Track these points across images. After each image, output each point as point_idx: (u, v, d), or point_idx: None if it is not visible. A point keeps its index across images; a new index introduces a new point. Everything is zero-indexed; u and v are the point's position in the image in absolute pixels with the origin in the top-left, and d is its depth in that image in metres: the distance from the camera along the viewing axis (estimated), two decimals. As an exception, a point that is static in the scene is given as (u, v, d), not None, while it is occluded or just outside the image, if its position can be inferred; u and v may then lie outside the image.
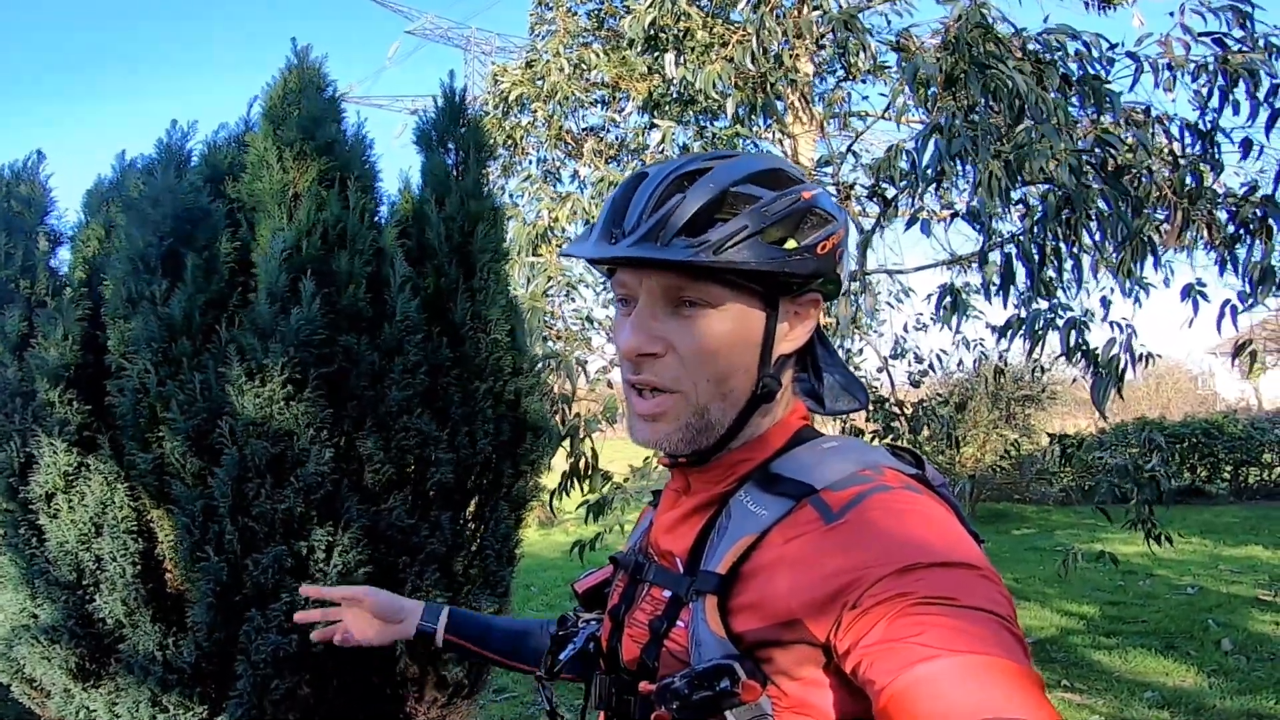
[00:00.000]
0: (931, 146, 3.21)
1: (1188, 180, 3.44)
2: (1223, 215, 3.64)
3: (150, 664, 2.32)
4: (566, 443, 3.86)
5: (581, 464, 4.00)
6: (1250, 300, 3.39)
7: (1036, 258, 3.52)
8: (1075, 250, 3.72)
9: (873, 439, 4.77)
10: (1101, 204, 3.39)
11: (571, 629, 1.12)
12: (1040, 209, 3.46)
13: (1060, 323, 3.58)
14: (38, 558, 2.38)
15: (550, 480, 3.97)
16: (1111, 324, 3.67)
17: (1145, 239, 3.41)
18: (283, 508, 2.31)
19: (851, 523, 0.76)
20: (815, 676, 0.76)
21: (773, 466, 0.86)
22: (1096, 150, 3.33)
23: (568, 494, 4.01)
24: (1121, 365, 3.43)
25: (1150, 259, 3.51)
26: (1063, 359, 3.80)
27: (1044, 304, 3.70)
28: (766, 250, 0.80)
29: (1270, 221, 3.40)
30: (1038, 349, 3.70)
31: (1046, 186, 3.42)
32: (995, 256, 3.72)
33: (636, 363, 0.84)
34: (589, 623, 1.10)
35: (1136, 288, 4.15)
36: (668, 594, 0.87)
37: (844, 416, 5.67)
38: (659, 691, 0.78)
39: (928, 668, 0.62)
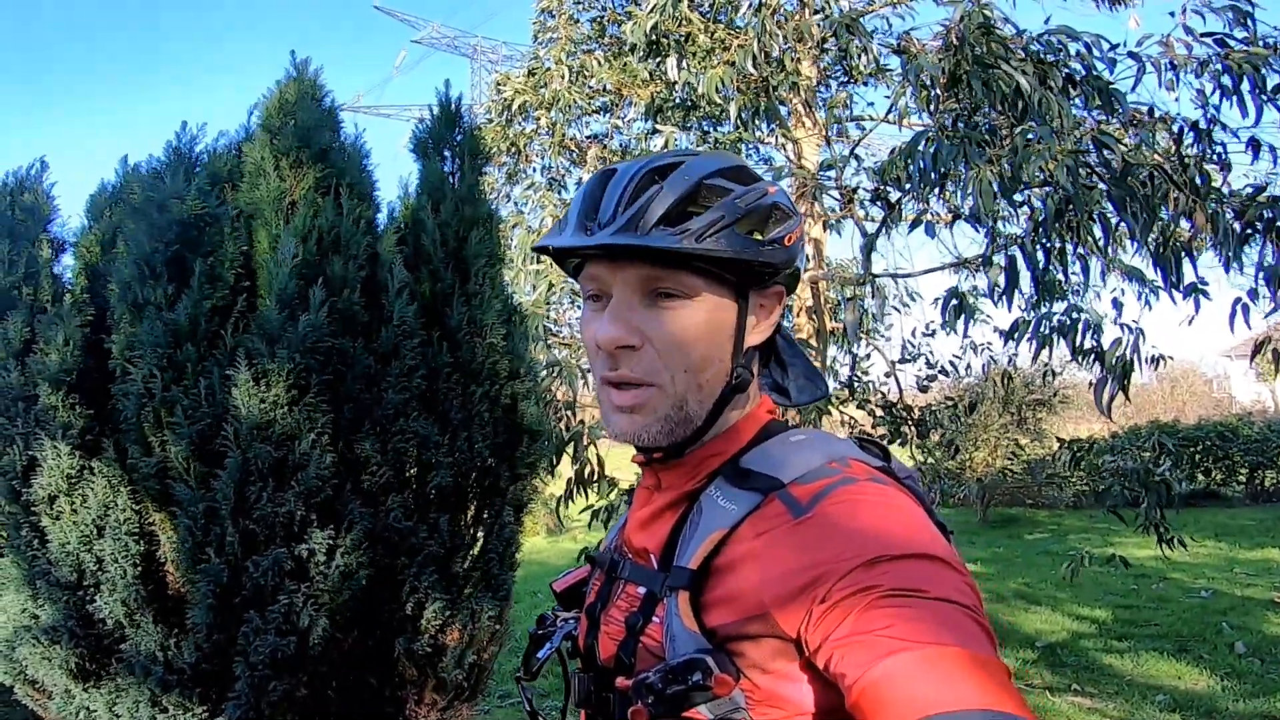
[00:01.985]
0: (929, 149, 3.20)
1: (1198, 180, 3.40)
2: (1228, 214, 3.60)
3: (151, 664, 2.34)
4: (571, 449, 3.86)
5: (586, 471, 4.00)
6: (1271, 306, 3.35)
7: (1042, 260, 3.50)
8: (1081, 252, 3.70)
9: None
10: (1108, 205, 3.37)
11: (549, 628, 1.13)
12: (1043, 211, 3.44)
13: (1071, 325, 3.56)
14: (39, 559, 2.41)
15: (557, 487, 3.98)
16: (1121, 326, 3.64)
17: (1178, 242, 3.37)
18: (283, 510, 2.33)
19: (819, 516, 0.76)
20: (787, 670, 0.76)
21: (742, 461, 0.87)
22: (1102, 151, 3.31)
23: (573, 500, 4.00)
24: (1128, 366, 3.40)
25: (1187, 260, 3.46)
26: (1073, 363, 3.77)
27: (1059, 306, 3.67)
28: (741, 240, 0.82)
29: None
30: (1045, 352, 3.67)
31: (1049, 189, 3.40)
32: (1000, 259, 3.70)
33: (615, 355, 0.84)
34: (566, 621, 1.11)
35: (1146, 290, 4.12)
36: (642, 590, 0.88)
37: (852, 423, 5.66)
38: (634, 686, 0.78)
39: (897, 660, 0.63)
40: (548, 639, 1.10)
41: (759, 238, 0.84)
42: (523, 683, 1.12)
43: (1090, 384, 3.71)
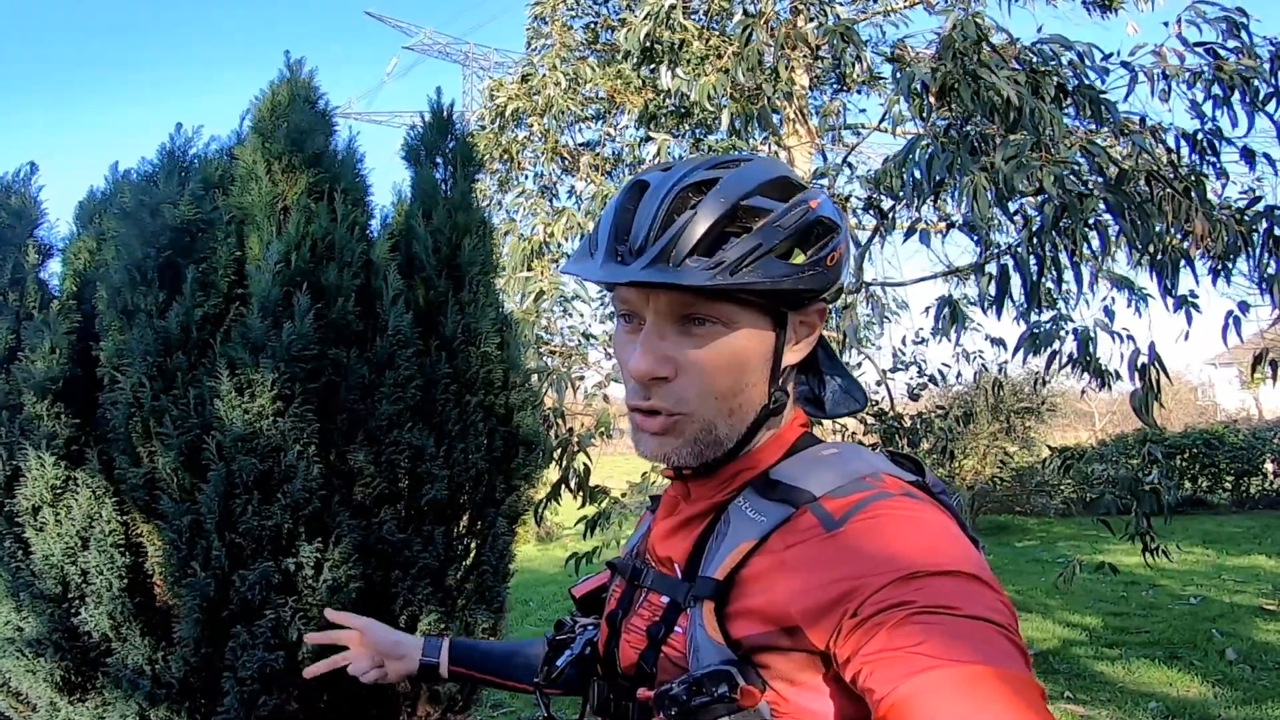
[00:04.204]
0: (923, 155, 3.20)
1: (1193, 191, 3.41)
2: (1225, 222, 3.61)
3: (138, 678, 2.30)
4: (559, 455, 3.84)
5: (574, 479, 3.98)
6: (1275, 315, 3.37)
7: (1035, 269, 3.50)
8: (1076, 260, 3.70)
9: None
10: (1106, 214, 3.38)
11: (569, 634, 1.11)
12: (1039, 219, 3.44)
13: (1066, 334, 3.56)
14: (23, 571, 2.36)
15: (541, 493, 3.95)
16: (1113, 335, 3.65)
17: (1175, 251, 3.37)
18: (270, 524, 2.29)
19: (852, 531, 0.75)
20: (814, 682, 0.75)
21: (772, 473, 0.86)
22: (1088, 159, 3.32)
23: (558, 501, 3.99)
24: (1156, 377, 3.39)
25: (1186, 268, 3.46)
26: (1063, 371, 3.77)
27: (1047, 315, 3.67)
28: (780, 267, 0.79)
29: (1277, 232, 3.38)
30: (1040, 360, 3.68)
31: (1044, 197, 3.40)
32: (993, 267, 3.70)
33: (648, 386, 0.83)
34: (586, 628, 1.09)
35: (1136, 299, 4.14)
36: (665, 600, 0.87)
37: (843, 431, 5.66)
38: (657, 697, 0.77)
39: (927, 678, 0.62)
40: (567, 645, 1.09)
41: (799, 260, 0.80)
42: (541, 689, 1.10)
43: (1081, 392, 3.71)
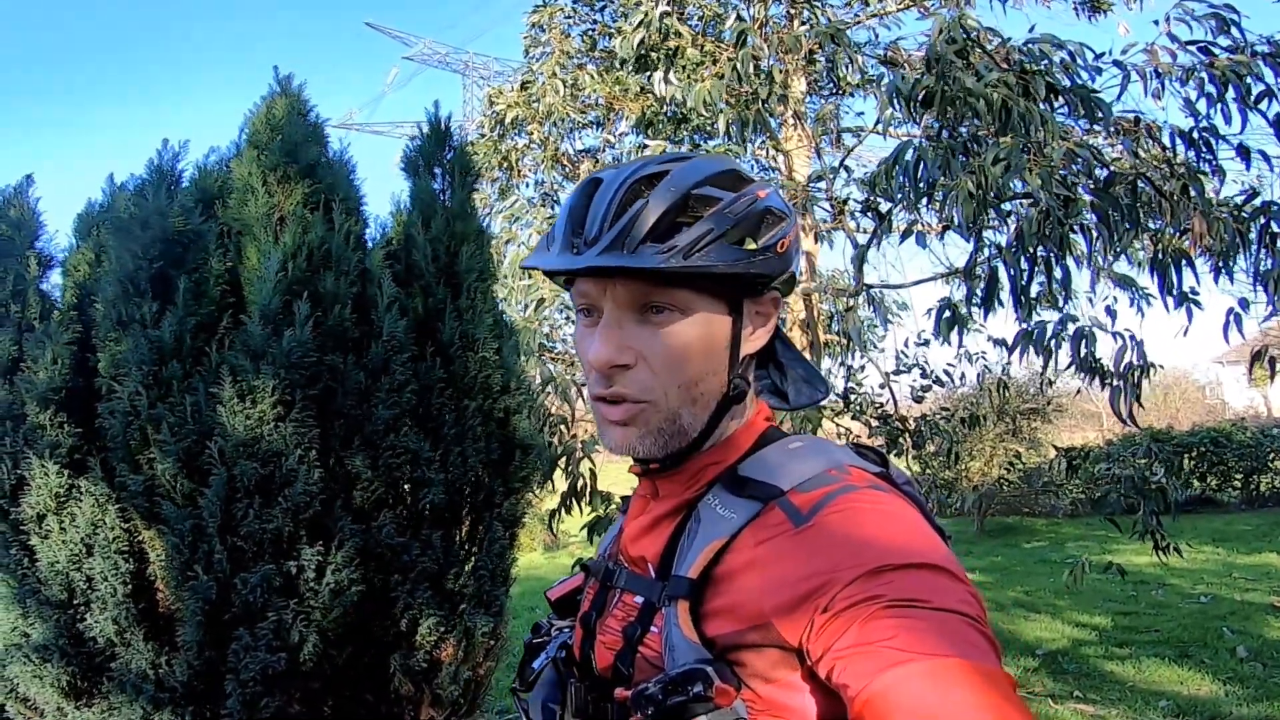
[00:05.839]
0: (911, 159, 3.21)
1: (1191, 189, 3.41)
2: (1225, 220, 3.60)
3: (142, 682, 2.32)
4: (564, 463, 3.85)
5: (579, 485, 3.99)
6: (1269, 310, 3.36)
7: (1027, 269, 3.50)
8: (1065, 261, 3.70)
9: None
10: (1090, 215, 3.38)
11: (544, 637, 1.11)
12: (1025, 222, 3.44)
13: (1068, 335, 3.56)
14: (29, 577, 2.40)
15: (551, 502, 3.97)
16: (1114, 335, 3.64)
17: (1175, 250, 3.37)
18: (271, 527, 2.32)
19: (820, 525, 0.75)
20: (790, 679, 0.75)
21: (740, 469, 0.86)
22: (1079, 161, 3.32)
23: (568, 513, 3.99)
24: (1137, 376, 3.39)
25: (1187, 268, 3.45)
26: (1067, 371, 3.76)
27: (1053, 315, 3.66)
28: (733, 252, 0.80)
29: (1275, 226, 3.37)
30: (1043, 361, 3.67)
31: (1031, 199, 3.41)
32: (983, 269, 3.70)
33: (608, 375, 0.83)
34: (561, 630, 1.09)
35: (1139, 298, 4.13)
36: (640, 600, 0.87)
37: (847, 434, 5.66)
38: (633, 698, 0.77)
39: (900, 672, 0.62)
40: (543, 648, 1.08)
41: (751, 246, 0.82)
42: (519, 694, 1.10)
43: (1078, 391, 3.71)
